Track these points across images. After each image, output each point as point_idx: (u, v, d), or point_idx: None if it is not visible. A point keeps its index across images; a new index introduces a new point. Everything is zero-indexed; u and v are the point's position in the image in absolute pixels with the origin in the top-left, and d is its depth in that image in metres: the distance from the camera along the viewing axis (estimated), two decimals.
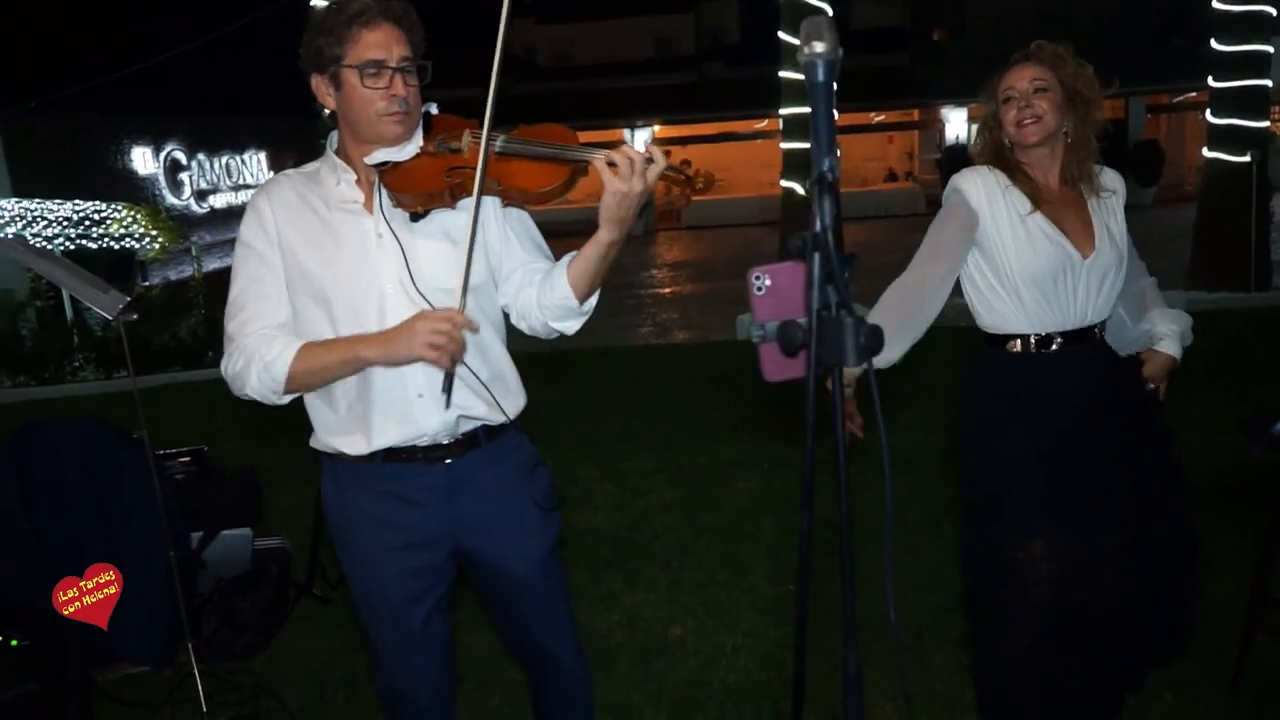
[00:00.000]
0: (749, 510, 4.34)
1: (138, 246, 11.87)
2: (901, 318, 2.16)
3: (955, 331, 2.47)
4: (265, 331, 1.80)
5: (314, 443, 1.95)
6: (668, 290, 12.72)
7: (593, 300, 1.86)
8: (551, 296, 1.83)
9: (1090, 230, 2.18)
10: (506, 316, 1.97)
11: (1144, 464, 2.24)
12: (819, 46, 1.31)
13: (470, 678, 3.09)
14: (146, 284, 11.76)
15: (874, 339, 1.28)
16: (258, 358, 1.77)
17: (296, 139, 18.85)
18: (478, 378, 1.84)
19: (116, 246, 11.62)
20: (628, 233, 1.76)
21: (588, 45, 27.02)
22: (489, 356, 1.90)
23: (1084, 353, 2.20)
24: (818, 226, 1.32)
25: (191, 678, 2.92)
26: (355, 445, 1.86)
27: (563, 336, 1.95)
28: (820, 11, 8.70)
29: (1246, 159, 8.72)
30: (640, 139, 21.82)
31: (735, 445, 5.21)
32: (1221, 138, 8.92)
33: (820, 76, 1.33)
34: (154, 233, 11.96)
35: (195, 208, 15.85)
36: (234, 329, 1.82)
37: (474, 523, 1.91)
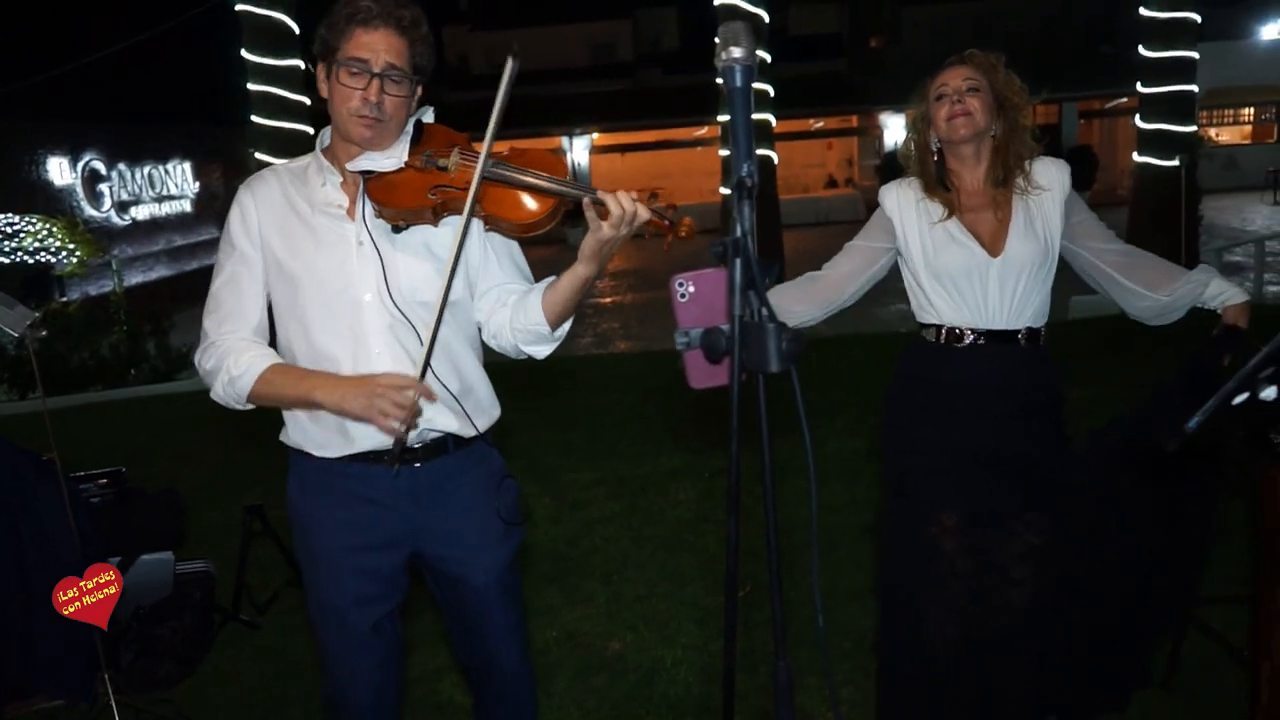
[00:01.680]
0: (689, 521, 4.31)
1: (54, 260, 11.44)
2: (809, 297, 2.34)
3: (893, 337, 2.49)
4: (240, 337, 1.83)
5: (284, 438, 1.95)
6: (608, 300, 12.69)
7: (564, 327, 1.88)
8: (525, 320, 1.84)
9: (1005, 229, 2.22)
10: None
11: (1065, 478, 2.26)
12: (736, 52, 1.31)
13: (404, 699, 3.00)
14: (64, 299, 11.32)
15: (796, 344, 1.26)
16: (225, 369, 1.80)
17: (223, 148, 18.39)
18: (449, 390, 1.85)
19: (31, 261, 11.19)
20: (603, 267, 1.79)
21: (524, 52, 26.86)
22: (462, 371, 1.91)
23: (998, 353, 2.23)
24: (738, 232, 1.30)
25: (109, 710, 2.83)
26: (325, 449, 1.88)
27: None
28: (749, 18, 8.78)
29: (1175, 163, 8.96)
30: (579, 147, 21.78)
31: (676, 455, 5.18)
32: (1151, 142, 9.16)
33: (738, 82, 1.32)
34: (71, 246, 11.53)
35: (116, 220, 15.26)
36: (210, 326, 1.85)
37: (436, 528, 1.91)
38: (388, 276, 1.79)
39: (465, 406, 1.88)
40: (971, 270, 2.19)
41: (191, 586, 3.58)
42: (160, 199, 16.45)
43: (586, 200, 1.70)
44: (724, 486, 4.60)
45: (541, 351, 1.91)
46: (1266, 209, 16.52)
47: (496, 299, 1.90)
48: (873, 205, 2.41)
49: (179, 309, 10.96)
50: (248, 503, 3.89)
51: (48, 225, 11.55)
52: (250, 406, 1.85)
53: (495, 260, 1.91)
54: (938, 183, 2.26)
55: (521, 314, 1.85)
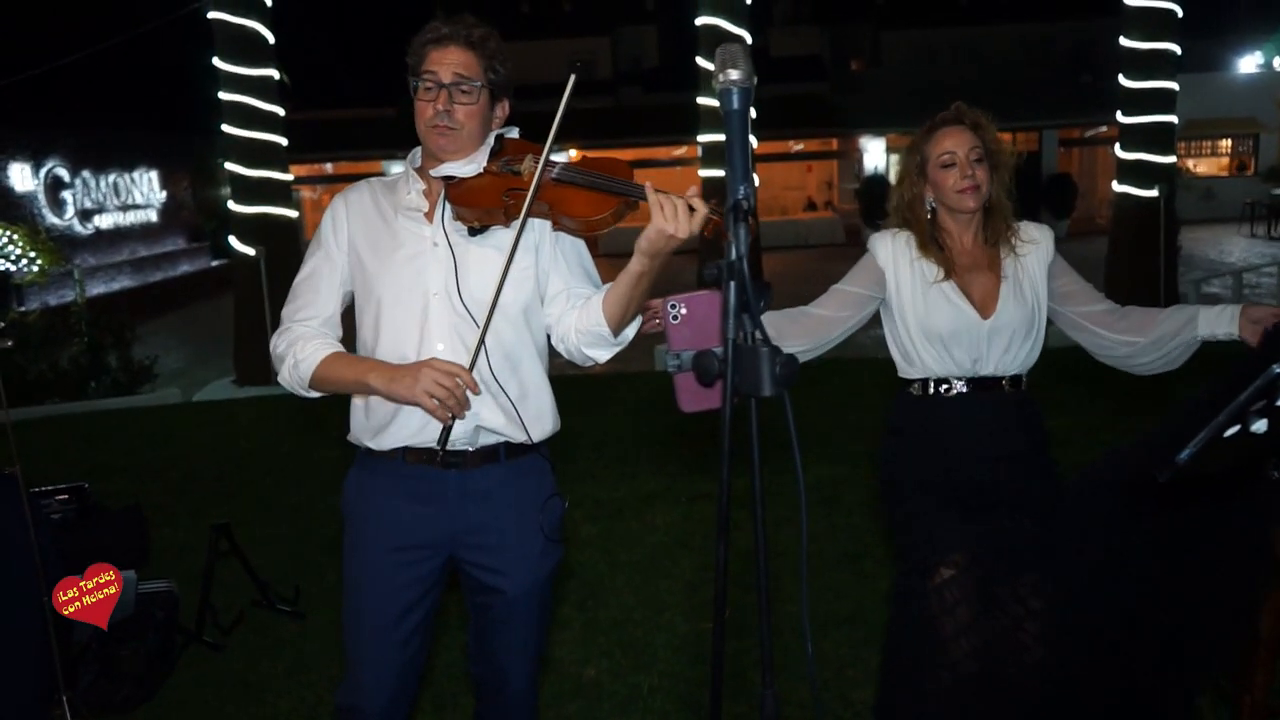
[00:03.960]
0: (667, 546, 4.26)
1: (14, 269, 11.19)
2: (796, 332, 2.29)
3: (873, 363, 2.48)
4: (310, 326, 1.97)
5: (350, 437, 2.05)
6: None
7: (628, 332, 1.94)
8: (586, 321, 1.92)
9: (997, 291, 2.23)
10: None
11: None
12: (734, 74, 1.29)
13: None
14: (23, 309, 11.05)
15: (790, 369, 1.23)
16: (292, 354, 1.94)
17: (191, 156, 18.08)
18: (504, 391, 1.91)
19: None
20: (659, 267, 1.84)
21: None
22: (522, 377, 1.96)
23: (985, 402, 2.24)
24: (733, 254, 1.27)
25: None
26: (380, 440, 1.96)
27: None
28: (737, 39, 8.83)
29: (1155, 193, 9.04)
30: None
31: (653, 479, 5.13)
32: (1130, 172, 9.23)
33: (735, 104, 1.31)
34: (32, 254, 11.29)
35: (79, 228, 14.85)
36: (287, 313, 2.01)
37: (475, 534, 1.95)
38: (459, 275, 1.89)
39: (521, 412, 1.93)
40: (962, 331, 2.20)
41: (154, 606, 3.48)
42: (125, 208, 16.04)
43: (652, 197, 1.77)
44: (702, 511, 4.56)
45: (603, 355, 1.96)
46: (1244, 241, 16.81)
47: (565, 302, 1.98)
48: (851, 229, 2.39)
49: (142, 321, 10.78)
50: (213, 521, 3.79)
51: (8, 233, 11.30)
52: (314, 395, 1.97)
53: (564, 263, 1.99)
54: (931, 240, 2.26)
55: (584, 315, 1.92)
